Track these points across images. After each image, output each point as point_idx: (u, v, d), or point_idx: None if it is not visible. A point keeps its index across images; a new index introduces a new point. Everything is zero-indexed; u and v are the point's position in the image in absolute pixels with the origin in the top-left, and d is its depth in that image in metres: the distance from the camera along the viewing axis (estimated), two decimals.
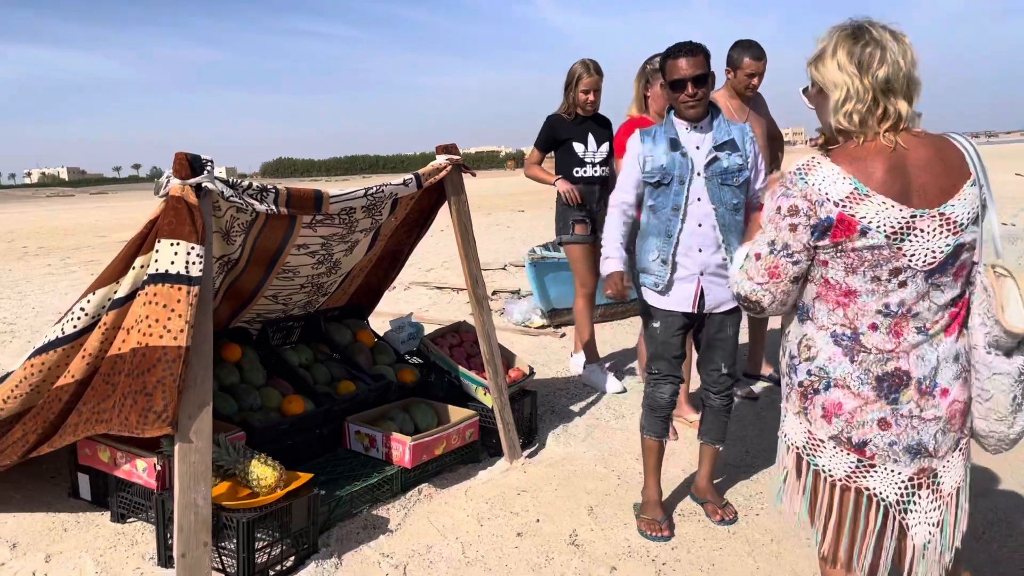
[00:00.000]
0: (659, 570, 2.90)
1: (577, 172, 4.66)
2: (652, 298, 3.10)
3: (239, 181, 2.85)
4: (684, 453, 3.88)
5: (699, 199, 2.98)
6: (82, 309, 2.85)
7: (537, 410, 4.18)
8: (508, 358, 4.16)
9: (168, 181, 2.71)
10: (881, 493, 1.85)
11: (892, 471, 1.84)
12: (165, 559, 2.90)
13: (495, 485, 3.61)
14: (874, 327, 1.80)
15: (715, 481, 3.43)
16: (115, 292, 2.79)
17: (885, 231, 1.73)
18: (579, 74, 4.58)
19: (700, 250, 2.99)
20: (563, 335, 6.34)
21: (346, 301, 4.28)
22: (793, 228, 1.81)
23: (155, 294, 2.62)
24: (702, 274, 3.02)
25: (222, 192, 2.76)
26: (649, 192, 3.05)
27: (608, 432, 4.25)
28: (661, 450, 3.22)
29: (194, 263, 2.63)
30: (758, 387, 4.87)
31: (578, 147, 4.64)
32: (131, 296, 2.75)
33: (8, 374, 3.00)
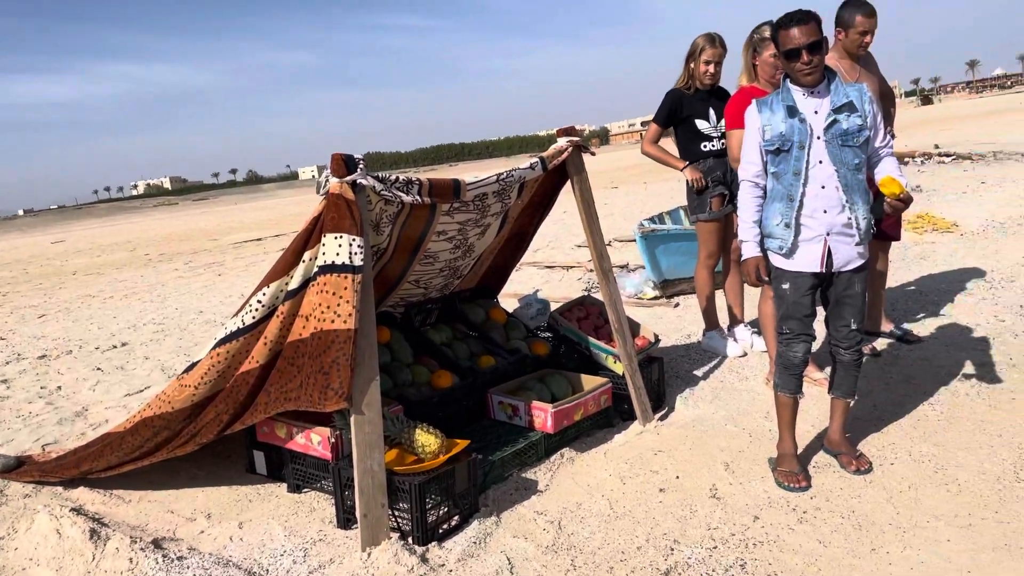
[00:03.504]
0: (801, 518, 3.04)
1: (705, 147, 4.76)
2: (779, 261, 3.23)
3: (387, 176, 3.13)
4: (812, 410, 3.98)
5: (820, 162, 3.09)
6: (259, 301, 3.18)
7: (664, 375, 4.36)
8: (633, 327, 4.34)
9: (327, 180, 3.01)
10: None
11: None
12: (343, 521, 3.21)
13: (631, 447, 3.81)
14: None
15: (847, 435, 3.53)
16: (288, 284, 3.11)
17: None
18: (702, 46, 4.67)
19: (825, 211, 3.10)
20: (676, 305, 6.48)
21: (477, 282, 4.54)
22: None
23: (325, 283, 2.92)
24: (828, 234, 3.13)
25: (374, 187, 3.04)
26: (771, 159, 3.17)
27: (734, 393, 4.39)
28: (795, 406, 3.36)
29: (356, 253, 2.92)
30: (880, 344, 4.91)
31: (701, 123, 4.74)
32: (303, 286, 3.06)
33: (195, 363, 3.37)
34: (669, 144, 5.04)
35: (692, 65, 4.73)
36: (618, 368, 4.07)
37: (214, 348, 3.29)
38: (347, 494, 3.19)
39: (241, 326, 3.23)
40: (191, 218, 35.91)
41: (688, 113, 4.75)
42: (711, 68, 4.69)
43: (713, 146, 4.73)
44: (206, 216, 36.21)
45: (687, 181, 4.82)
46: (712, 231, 4.82)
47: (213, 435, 3.27)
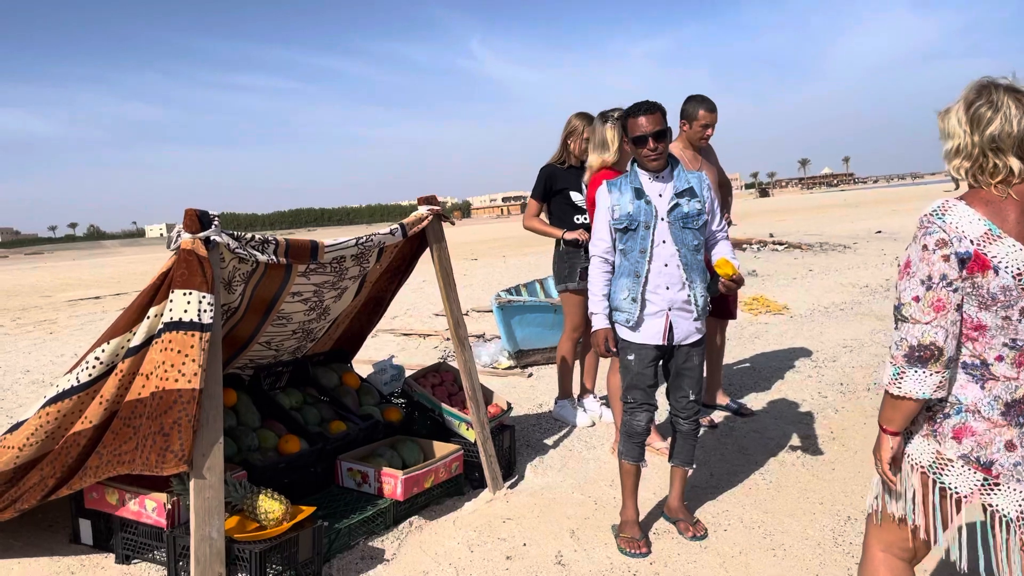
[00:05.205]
0: None
1: (578, 219, 4.93)
2: (625, 333, 3.39)
3: (242, 234, 3.08)
4: (654, 478, 4.14)
5: (664, 241, 3.30)
6: (96, 358, 3.03)
7: (515, 443, 4.42)
8: (487, 395, 4.40)
9: (179, 235, 2.93)
10: (1003, 510, 1.99)
11: (1015, 490, 1.98)
12: None
13: (481, 515, 3.82)
14: (1000, 358, 1.95)
15: (685, 502, 3.70)
16: (129, 341, 2.99)
17: (1012, 271, 1.87)
18: (582, 127, 4.88)
19: (667, 288, 3.31)
20: (530, 375, 6.60)
21: (331, 346, 4.49)
22: (946, 259, 1.90)
23: (171, 341, 2.82)
24: (670, 309, 3.33)
25: (228, 244, 2.99)
26: (619, 237, 3.37)
27: (581, 462, 4.50)
28: (638, 473, 3.49)
29: (205, 311, 2.85)
30: (717, 416, 5.19)
31: (575, 196, 4.92)
32: (146, 343, 2.94)
33: (21, 422, 3.14)
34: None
35: (571, 143, 4.96)
36: (470, 435, 4.10)
37: (43, 407, 3.09)
38: (181, 564, 3.03)
39: (76, 383, 3.05)
40: (22, 272, 33.31)
41: (563, 186, 4.95)
42: (589, 146, 4.92)
43: (585, 218, 4.93)
44: (39, 271, 33.69)
45: (559, 251, 4.95)
46: (578, 304, 4.98)
47: (36, 501, 3.04)
